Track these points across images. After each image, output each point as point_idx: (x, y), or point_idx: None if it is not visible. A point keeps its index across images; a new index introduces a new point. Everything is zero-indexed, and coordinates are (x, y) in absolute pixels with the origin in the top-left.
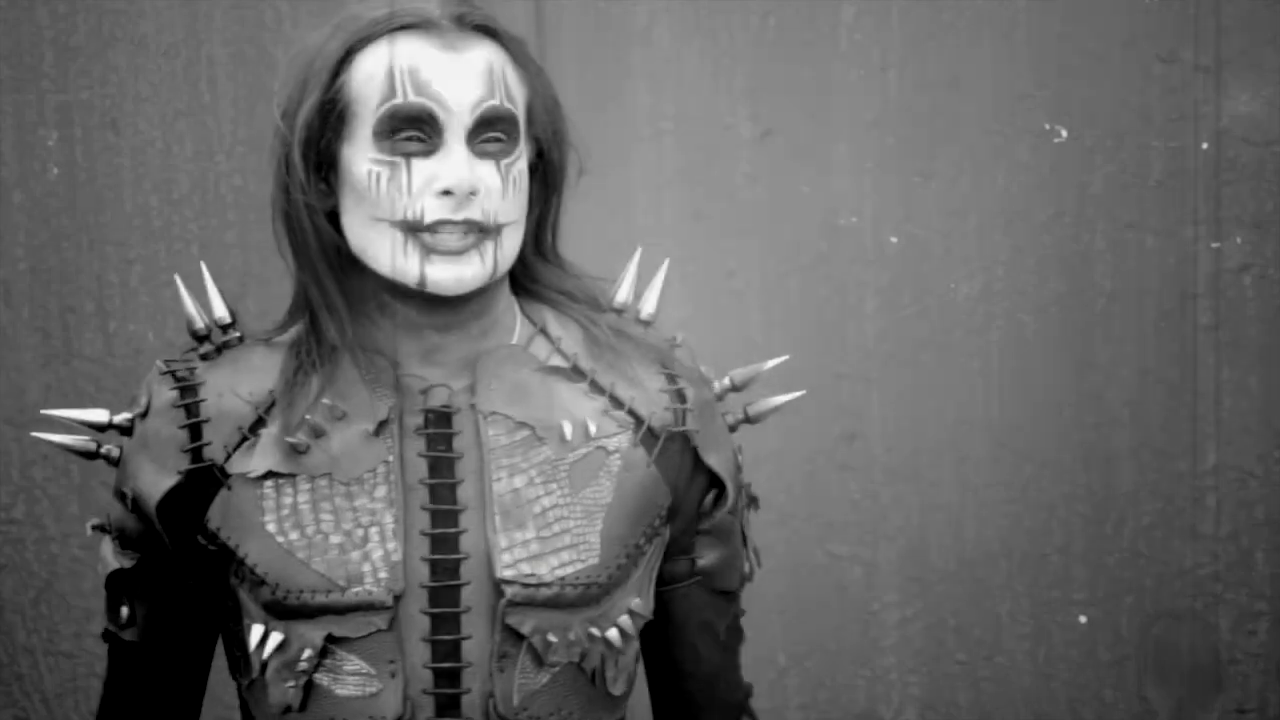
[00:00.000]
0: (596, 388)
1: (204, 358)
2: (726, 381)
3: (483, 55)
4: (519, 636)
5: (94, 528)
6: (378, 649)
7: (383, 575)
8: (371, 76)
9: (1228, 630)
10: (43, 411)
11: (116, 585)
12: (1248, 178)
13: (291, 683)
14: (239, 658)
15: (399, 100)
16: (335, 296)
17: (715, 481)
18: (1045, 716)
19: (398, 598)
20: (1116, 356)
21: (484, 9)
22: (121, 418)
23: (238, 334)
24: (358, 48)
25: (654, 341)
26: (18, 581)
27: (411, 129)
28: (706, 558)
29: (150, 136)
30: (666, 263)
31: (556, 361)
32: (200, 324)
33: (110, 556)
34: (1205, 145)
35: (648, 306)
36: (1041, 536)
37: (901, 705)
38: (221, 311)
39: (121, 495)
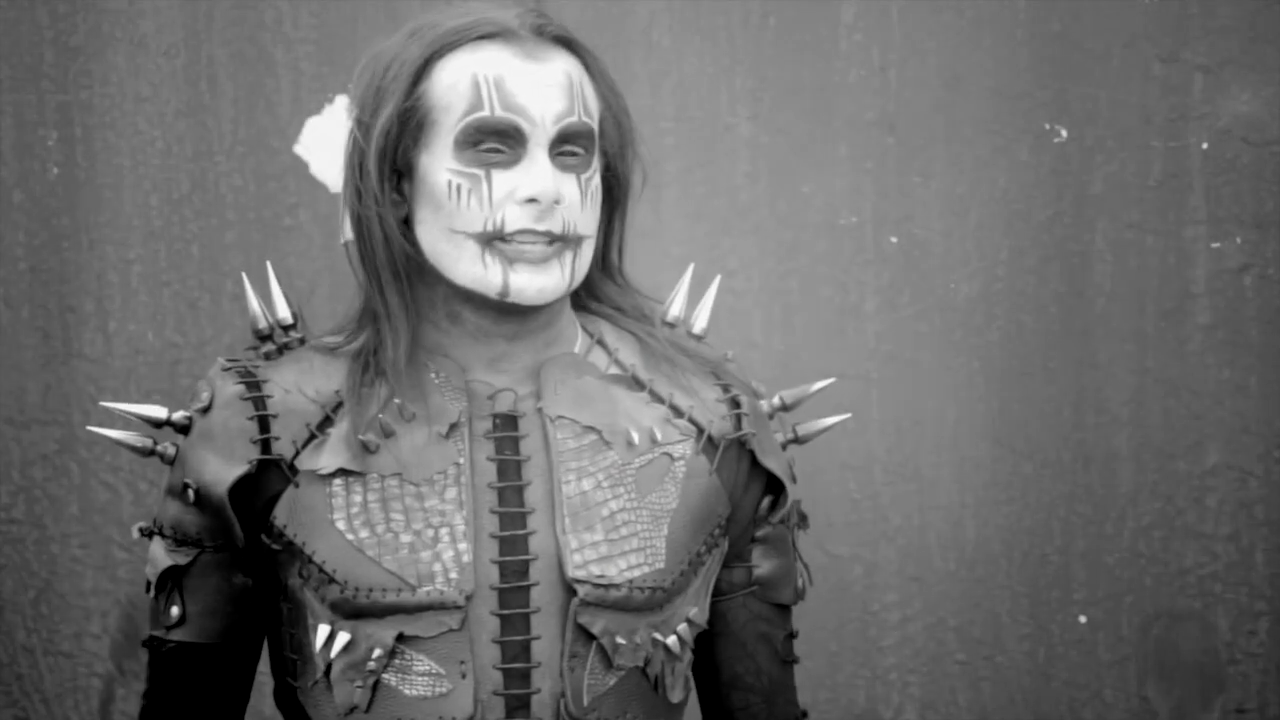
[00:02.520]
0: (656, 397)
1: (266, 357)
2: (776, 401)
3: (562, 67)
4: (589, 637)
5: (141, 531)
6: (448, 649)
7: (454, 575)
8: (454, 86)
9: (1228, 630)
10: (102, 403)
11: (168, 584)
12: (1248, 178)
13: (359, 682)
14: (294, 661)
15: (486, 113)
16: (397, 310)
17: (770, 488)
18: (1045, 716)
19: (469, 598)
20: (1116, 356)
21: (559, 21)
22: (179, 415)
23: (299, 336)
24: (437, 56)
25: (707, 354)
26: (18, 581)
27: (495, 140)
28: (763, 567)
29: (150, 136)
30: (718, 279)
31: (615, 371)
32: (264, 324)
33: (162, 555)
34: (1205, 145)
35: (700, 322)
36: (1041, 536)
37: (901, 705)
38: (285, 313)
39: (183, 488)
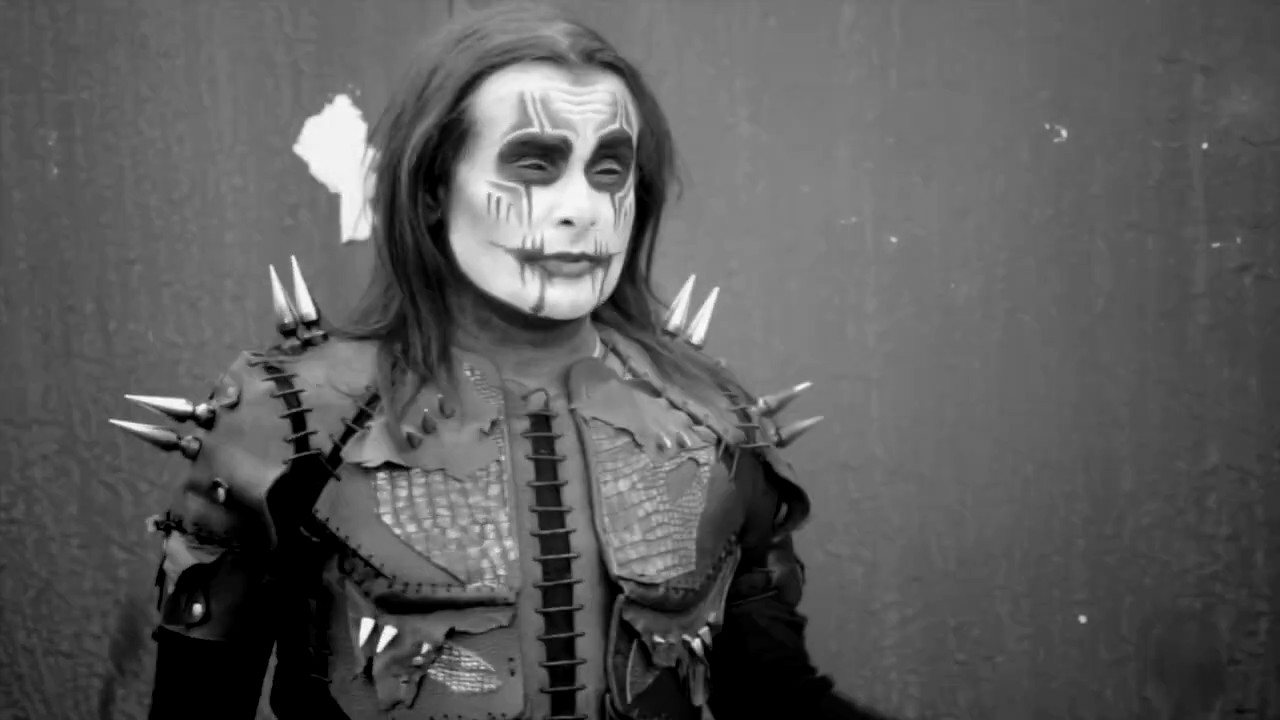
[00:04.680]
0: (673, 404)
1: (291, 352)
2: (762, 404)
3: (608, 88)
4: (631, 635)
5: (156, 524)
6: (497, 646)
7: (502, 572)
8: (501, 101)
9: (1228, 630)
10: (126, 396)
11: (192, 582)
12: (1248, 178)
13: (405, 678)
14: (326, 656)
15: (535, 129)
16: (429, 316)
17: (785, 495)
18: (1045, 716)
19: (518, 594)
20: (1116, 356)
21: (610, 45)
22: (204, 409)
23: (322, 332)
24: (487, 72)
25: (707, 362)
26: (18, 581)
27: (537, 157)
28: (777, 572)
29: (150, 136)
30: (716, 290)
31: (630, 378)
32: (289, 319)
33: (184, 552)
34: (1205, 145)
35: (698, 332)
36: (1041, 536)
37: (901, 705)
38: (308, 307)
39: (212, 485)
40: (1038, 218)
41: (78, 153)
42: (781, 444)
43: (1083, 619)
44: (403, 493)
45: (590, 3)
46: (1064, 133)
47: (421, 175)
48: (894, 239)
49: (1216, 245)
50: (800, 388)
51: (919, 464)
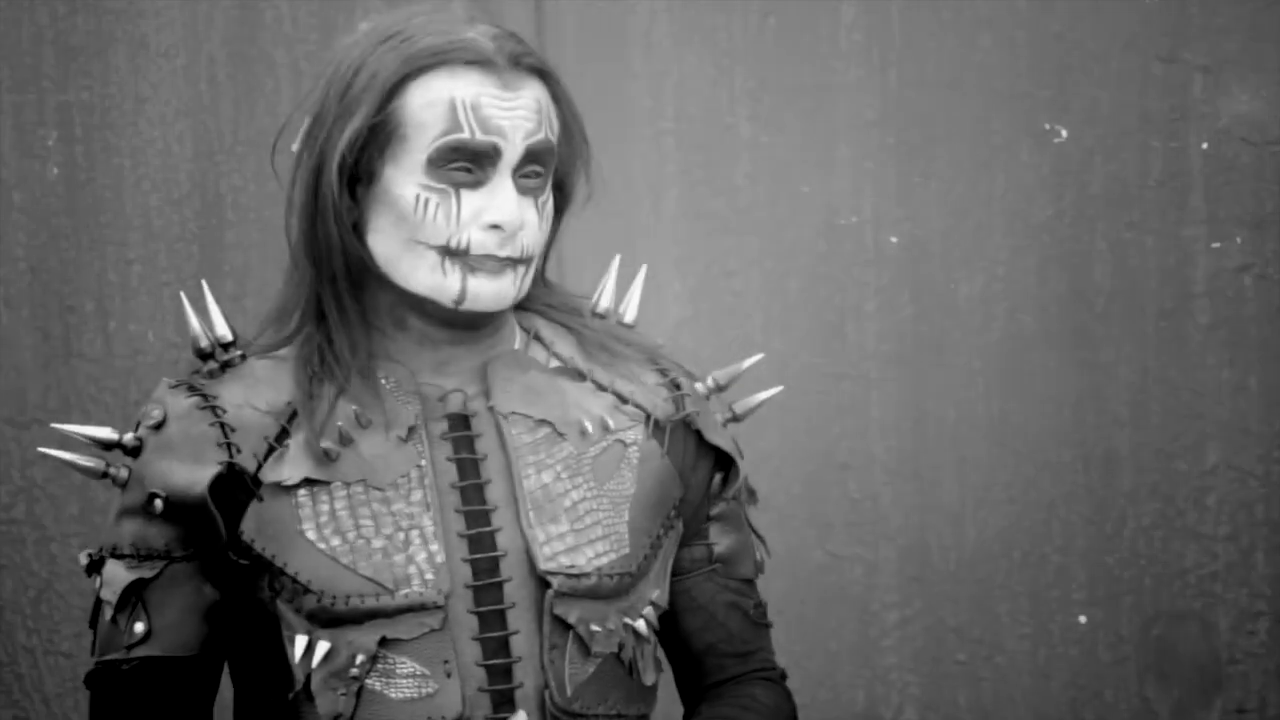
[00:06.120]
0: (599, 386)
1: (209, 375)
2: (710, 382)
3: (533, 94)
4: (565, 627)
5: (90, 557)
6: (432, 650)
7: (429, 576)
8: (430, 106)
9: (1228, 630)
10: (52, 425)
11: (131, 600)
12: (1248, 178)
13: (342, 690)
14: (268, 674)
15: (466, 135)
16: (351, 313)
17: (719, 464)
18: (1045, 716)
19: (448, 597)
20: (1116, 356)
21: (532, 49)
22: (130, 437)
23: (239, 352)
24: (414, 75)
25: (641, 341)
26: (18, 581)
27: (466, 161)
28: (722, 544)
29: (150, 136)
30: (644, 269)
31: (555, 364)
32: (205, 343)
33: (123, 573)
34: (1205, 145)
35: (630, 312)
36: (1041, 536)
37: (901, 705)
38: (223, 330)
39: (148, 500)
40: (1038, 218)
41: (78, 153)
42: (737, 419)
43: (1083, 619)
44: (324, 507)
45: (590, 3)
46: (1064, 133)
47: (346, 176)
48: (894, 239)
49: (1216, 245)
50: (749, 362)
51: (919, 464)
